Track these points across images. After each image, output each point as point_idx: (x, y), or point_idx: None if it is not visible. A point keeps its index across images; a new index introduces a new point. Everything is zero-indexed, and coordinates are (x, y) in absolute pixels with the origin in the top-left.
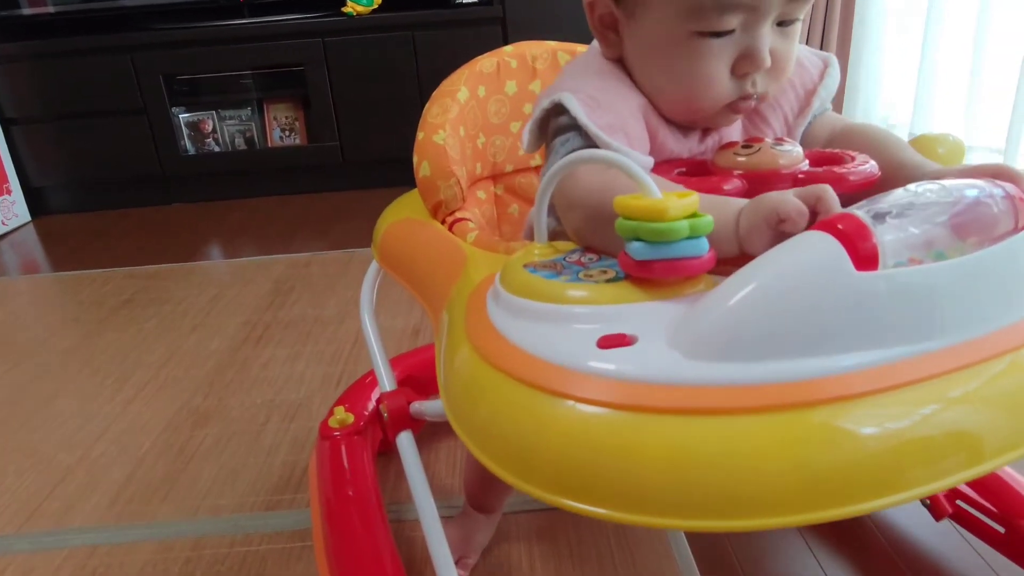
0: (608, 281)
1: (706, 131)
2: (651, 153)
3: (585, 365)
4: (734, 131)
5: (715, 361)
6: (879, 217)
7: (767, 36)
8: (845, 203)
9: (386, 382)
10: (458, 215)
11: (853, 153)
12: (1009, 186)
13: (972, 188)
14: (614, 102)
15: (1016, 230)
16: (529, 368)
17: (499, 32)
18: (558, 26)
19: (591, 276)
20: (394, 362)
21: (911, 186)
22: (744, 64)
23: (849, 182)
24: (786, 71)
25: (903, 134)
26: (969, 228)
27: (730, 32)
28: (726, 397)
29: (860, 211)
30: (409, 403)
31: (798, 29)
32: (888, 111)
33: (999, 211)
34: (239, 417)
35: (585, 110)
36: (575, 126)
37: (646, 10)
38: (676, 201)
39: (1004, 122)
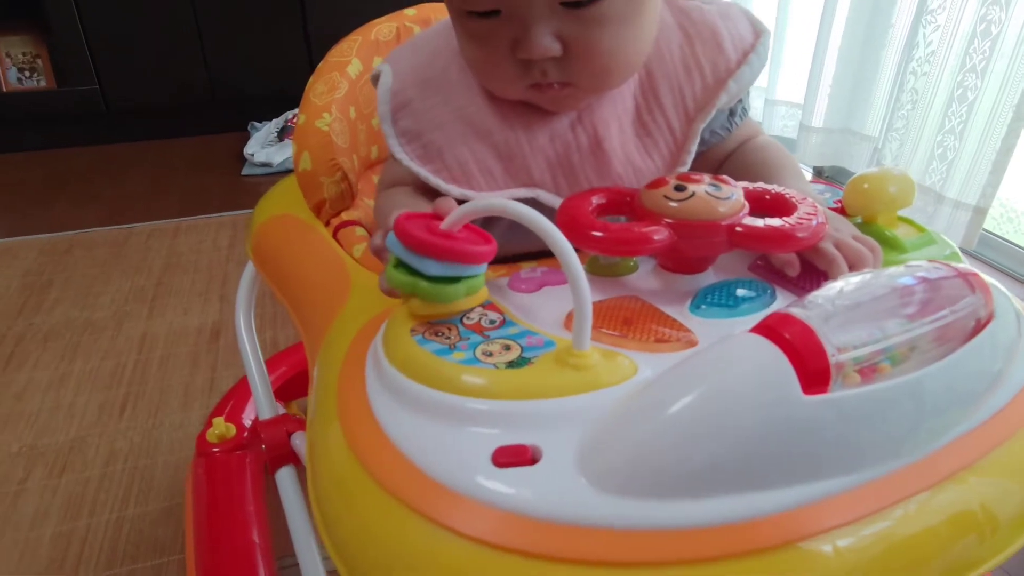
0: (510, 365)
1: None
2: (509, 147)
3: (475, 486)
4: (615, 105)
5: (633, 497)
6: (826, 318)
7: (540, 20)
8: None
9: (265, 409)
10: (345, 217)
11: (793, 194)
12: (958, 265)
13: (905, 275)
14: (435, 88)
15: (977, 326)
16: (406, 481)
17: None
18: None
19: (490, 355)
20: (273, 362)
21: (842, 280)
22: (518, 50)
23: (797, 241)
24: (594, 61)
25: None
26: (920, 313)
27: (495, 12)
28: (651, 545)
29: (808, 312)
30: (290, 434)
31: (612, 11)
32: None
33: (947, 293)
34: None
35: (391, 105)
36: None
37: None
38: None
39: (803, 78)
